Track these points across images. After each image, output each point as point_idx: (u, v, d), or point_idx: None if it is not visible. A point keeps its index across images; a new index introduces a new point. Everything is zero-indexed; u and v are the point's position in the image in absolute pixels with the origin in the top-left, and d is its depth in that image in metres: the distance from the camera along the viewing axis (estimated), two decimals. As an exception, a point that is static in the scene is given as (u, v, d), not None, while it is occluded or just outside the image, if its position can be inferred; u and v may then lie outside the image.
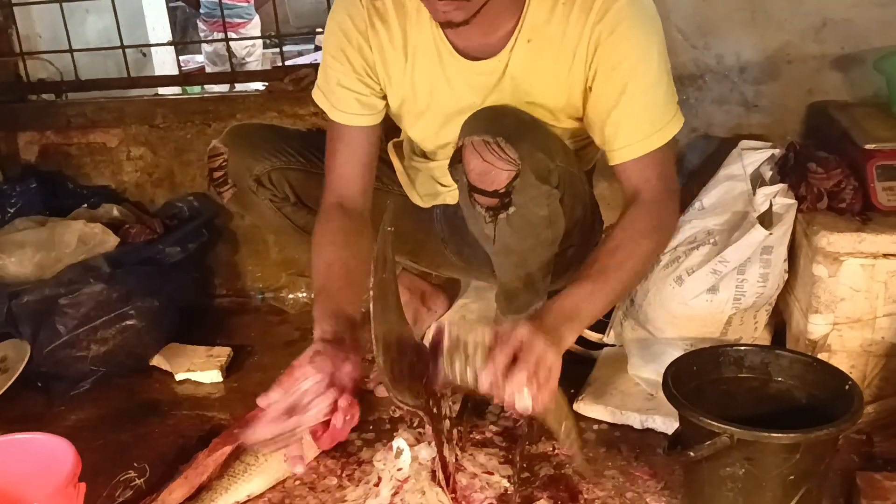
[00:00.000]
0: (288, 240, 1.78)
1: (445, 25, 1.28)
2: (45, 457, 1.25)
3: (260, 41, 5.53)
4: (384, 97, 1.48)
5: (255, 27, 5.48)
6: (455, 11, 1.22)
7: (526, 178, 1.31)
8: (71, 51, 2.36)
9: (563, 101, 1.39)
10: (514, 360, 1.08)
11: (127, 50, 2.38)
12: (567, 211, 1.42)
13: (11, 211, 2.16)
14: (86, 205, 2.21)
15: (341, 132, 1.46)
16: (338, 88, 1.45)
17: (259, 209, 1.66)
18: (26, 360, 1.79)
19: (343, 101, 1.45)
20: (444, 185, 1.60)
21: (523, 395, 1.07)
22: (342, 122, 1.46)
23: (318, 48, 5.91)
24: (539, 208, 1.37)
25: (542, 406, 1.10)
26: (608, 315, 1.75)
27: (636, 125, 1.32)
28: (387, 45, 1.41)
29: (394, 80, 1.45)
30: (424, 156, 1.60)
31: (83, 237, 1.99)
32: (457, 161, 1.35)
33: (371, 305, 1.02)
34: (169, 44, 3.21)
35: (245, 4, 5.37)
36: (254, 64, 5.33)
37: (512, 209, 1.35)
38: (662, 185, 1.34)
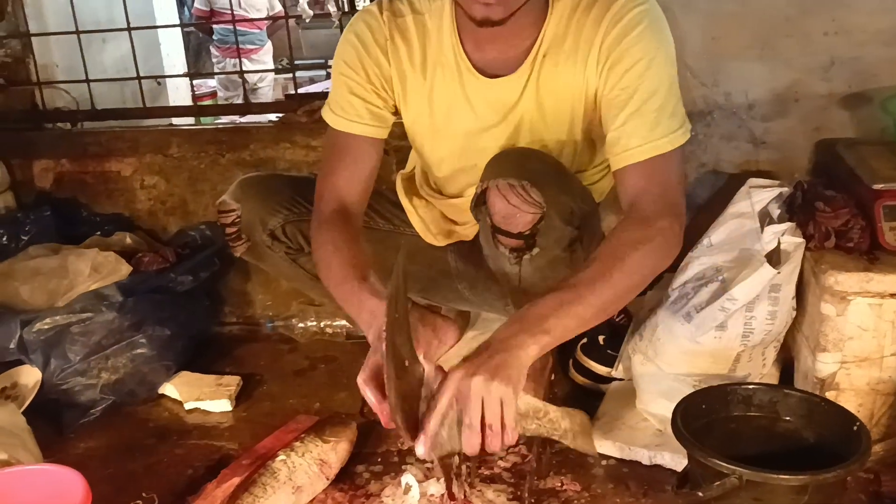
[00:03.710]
0: (302, 286, 1.77)
1: (483, 22, 1.26)
2: (54, 489, 1.24)
3: (272, 66, 5.59)
4: (394, 112, 1.48)
5: (267, 52, 5.55)
6: (496, 6, 1.23)
7: (550, 220, 1.33)
8: (87, 81, 2.39)
9: (581, 113, 1.40)
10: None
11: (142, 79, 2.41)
12: (584, 248, 1.43)
13: (25, 238, 2.17)
14: (99, 233, 2.22)
15: (347, 142, 1.45)
16: (350, 97, 1.44)
17: (273, 260, 1.66)
18: (37, 387, 1.80)
19: (354, 110, 1.44)
20: (459, 224, 1.61)
21: (488, 442, 1.07)
22: (350, 132, 1.44)
23: (330, 75, 5.96)
24: (562, 249, 1.38)
25: (512, 439, 1.08)
26: (617, 349, 1.75)
27: (642, 128, 1.28)
28: (406, 62, 1.42)
29: (410, 97, 1.45)
30: (439, 191, 1.61)
31: (96, 265, 2.00)
32: (481, 203, 1.37)
33: (384, 346, 1.03)
34: (185, 75, 3.25)
35: (258, 31, 5.44)
36: (266, 89, 5.39)
37: (536, 250, 1.36)
38: (662, 197, 1.26)
